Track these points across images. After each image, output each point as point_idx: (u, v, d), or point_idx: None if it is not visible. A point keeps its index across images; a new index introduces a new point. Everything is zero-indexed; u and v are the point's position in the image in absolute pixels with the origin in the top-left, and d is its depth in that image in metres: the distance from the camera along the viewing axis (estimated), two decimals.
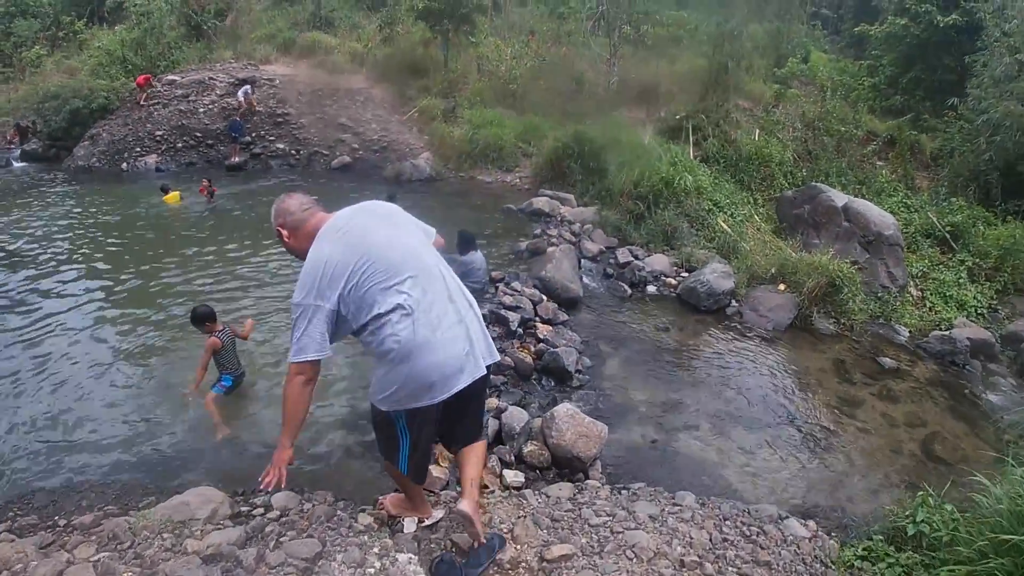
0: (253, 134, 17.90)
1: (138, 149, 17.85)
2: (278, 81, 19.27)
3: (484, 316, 7.26)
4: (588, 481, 5.08)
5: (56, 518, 4.24)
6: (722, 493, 5.39)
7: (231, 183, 15.89)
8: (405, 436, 3.30)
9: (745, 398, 7.24)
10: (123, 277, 9.38)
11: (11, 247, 10.93)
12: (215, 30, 22.80)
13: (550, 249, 9.67)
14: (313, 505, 4.14)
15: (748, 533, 4.25)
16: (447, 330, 3.12)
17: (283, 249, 3.40)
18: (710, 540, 4.10)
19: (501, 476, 4.97)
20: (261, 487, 3.29)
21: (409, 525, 3.90)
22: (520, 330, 7.43)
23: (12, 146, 20.49)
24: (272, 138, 17.88)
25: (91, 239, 11.51)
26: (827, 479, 6.05)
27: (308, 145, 17.67)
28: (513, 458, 5.27)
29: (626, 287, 9.83)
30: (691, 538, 4.06)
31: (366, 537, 3.69)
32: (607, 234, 11.59)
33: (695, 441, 6.31)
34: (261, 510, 4.11)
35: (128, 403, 6.08)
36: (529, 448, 5.34)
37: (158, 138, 18.00)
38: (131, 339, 7.25)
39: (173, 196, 13.78)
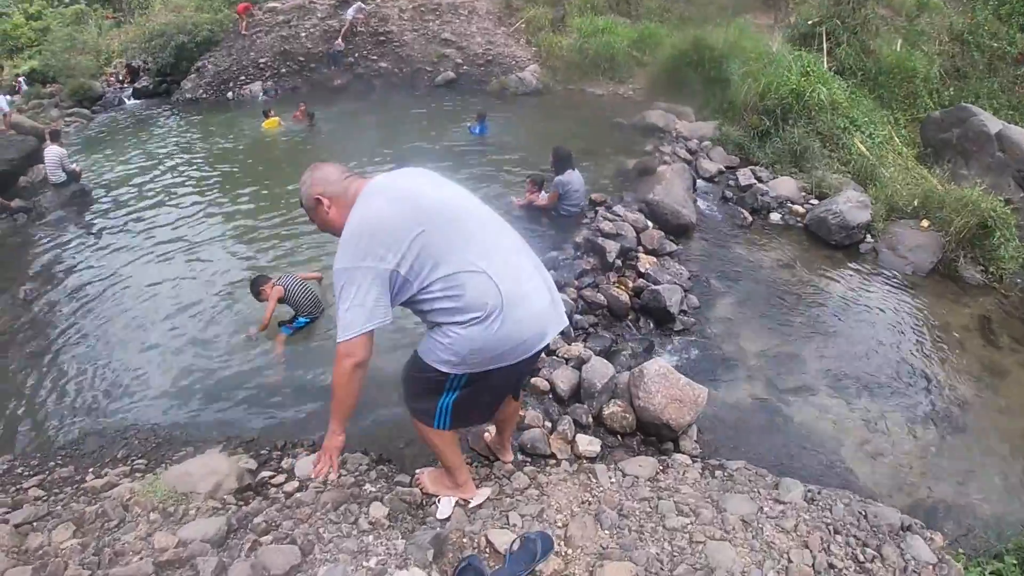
0: (355, 54, 17.54)
1: (243, 77, 18.09)
2: (377, 0, 18.59)
3: (577, 244, 6.74)
4: (676, 455, 4.19)
5: (90, 471, 4.09)
6: (835, 479, 4.40)
7: (335, 104, 15.85)
8: (453, 393, 2.87)
9: (872, 356, 6.07)
10: (219, 208, 9.51)
11: (120, 179, 11.56)
12: None
13: (661, 168, 8.57)
14: (339, 476, 3.60)
15: (862, 557, 3.14)
16: (527, 282, 2.74)
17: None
18: (812, 567, 3.04)
19: (573, 442, 4.15)
20: (313, 476, 3.04)
21: (445, 508, 3.26)
22: (618, 262, 6.52)
23: (124, 85, 21.43)
24: (374, 57, 17.46)
25: (195, 168, 11.89)
26: (957, 469, 4.89)
27: (411, 63, 17.15)
28: (591, 420, 4.44)
29: (746, 213, 8.62)
30: (788, 561, 3.03)
31: (370, 538, 3.02)
32: (727, 152, 10.40)
33: (810, 406, 5.27)
34: (283, 477, 3.75)
35: (202, 343, 5.90)
36: (611, 409, 4.46)
37: (262, 65, 18.10)
38: (222, 274, 7.16)
39: (272, 122, 13.82)
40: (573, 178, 7.47)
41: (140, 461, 4.15)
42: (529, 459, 3.95)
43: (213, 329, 6.10)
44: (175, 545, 2.94)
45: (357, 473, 3.71)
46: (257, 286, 5.88)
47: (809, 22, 14.58)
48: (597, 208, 7.57)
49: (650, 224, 7.33)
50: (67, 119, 18.63)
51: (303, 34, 18.15)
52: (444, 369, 2.74)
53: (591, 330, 5.56)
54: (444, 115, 13.86)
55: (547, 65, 15.82)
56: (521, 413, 4.14)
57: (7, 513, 3.42)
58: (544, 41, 16.34)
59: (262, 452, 4.11)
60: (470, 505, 3.33)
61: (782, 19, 15.91)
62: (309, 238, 7.64)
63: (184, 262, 7.58)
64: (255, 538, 3.02)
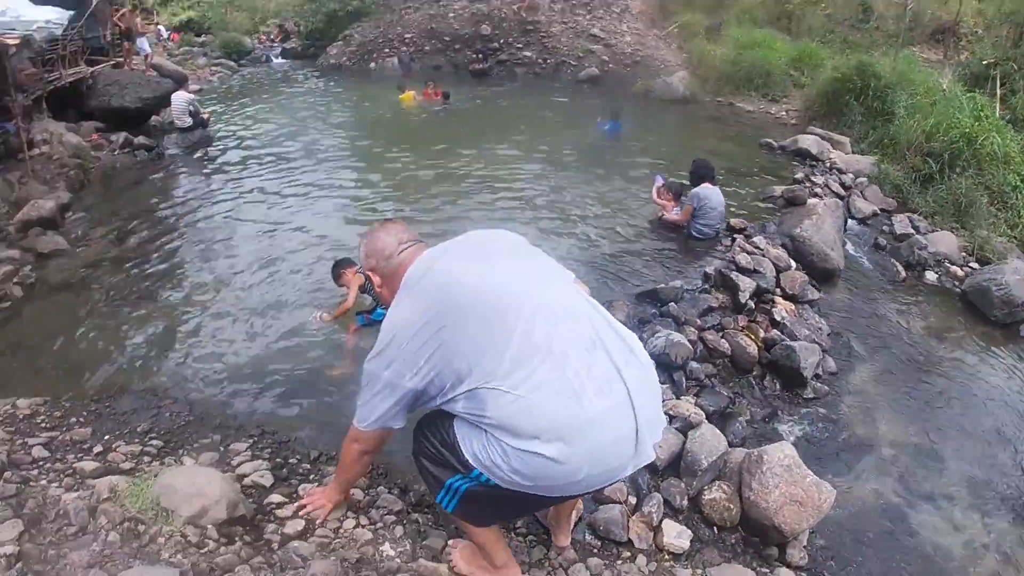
0: (501, 40, 17.44)
1: (387, 50, 18.58)
2: None
3: (707, 275, 6.00)
4: (779, 571, 3.45)
5: (105, 438, 3.86)
6: None
7: (472, 87, 15.89)
8: (471, 483, 2.22)
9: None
10: (337, 176, 9.56)
11: (249, 133, 12.01)
12: None
13: (812, 201, 7.80)
14: (356, 521, 3.00)
15: None
16: (599, 397, 1.99)
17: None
18: None
19: (658, 529, 3.40)
20: (296, 507, 2.94)
21: None
22: (751, 303, 5.77)
23: (274, 44, 22.35)
24: (520, 46, 17.37)
25: (325, 132, 12.17)
26: None
27: (556, 54, 17.01)
28: (686, 503, 3.66)
29: (900, 267, 7.70)
30: None
31: None
32: (884, 193, 9.47)
33: (941, 519, 4.39)
34: (291, 509, 3.06)
35: (269, 317, 5.65)
36: (713, 495, 3.66)
37: (407, 40, 18.36)
38: (316, 245, 6.97)
39: (407, 96, 14.07)
40: (711, 194, 6.84)
41: (156, 441, 3.84)
42: (598, 544, 3.26)
43: (285, 303, 5.84)
44: None
45: (380, 524, 3.02)
46: (338, 269, 5.36)
47: (983, 62, 13.36)
48: (735, 236, 6.88)
49: (793, 264, 6.55)
50: (213, 69, 19.47)
51: (451, 14, 18.27)
52: (470, 461, 2.14)
53: (707, 382, 4.83)
54: (582, 111, 13.50)
55: (697, 74, 15.24)
56: None
57: None
58: (697, 48, 15.81)
59: (290, 461, 3.65)
60: None
61: (952, 56, 14.92)
62: (428, 224, 7.37)
63: (284, 225, 7.53)
64: None
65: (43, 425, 4.03)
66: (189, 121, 11.70)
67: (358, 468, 2.70)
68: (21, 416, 4.11)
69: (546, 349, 2.01)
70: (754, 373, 5.16)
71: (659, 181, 7.62)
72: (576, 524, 3.24)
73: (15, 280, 6.37)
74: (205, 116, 12.11)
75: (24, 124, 9.72)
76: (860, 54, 13.02)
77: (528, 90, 15.62)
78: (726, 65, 14.75)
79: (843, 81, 12.16)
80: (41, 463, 3.42)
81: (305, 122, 13.02)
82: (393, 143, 11.30)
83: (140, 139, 11.48)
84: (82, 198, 8.87)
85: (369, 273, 2.49)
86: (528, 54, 17.17)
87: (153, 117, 13.22)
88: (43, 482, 3.11)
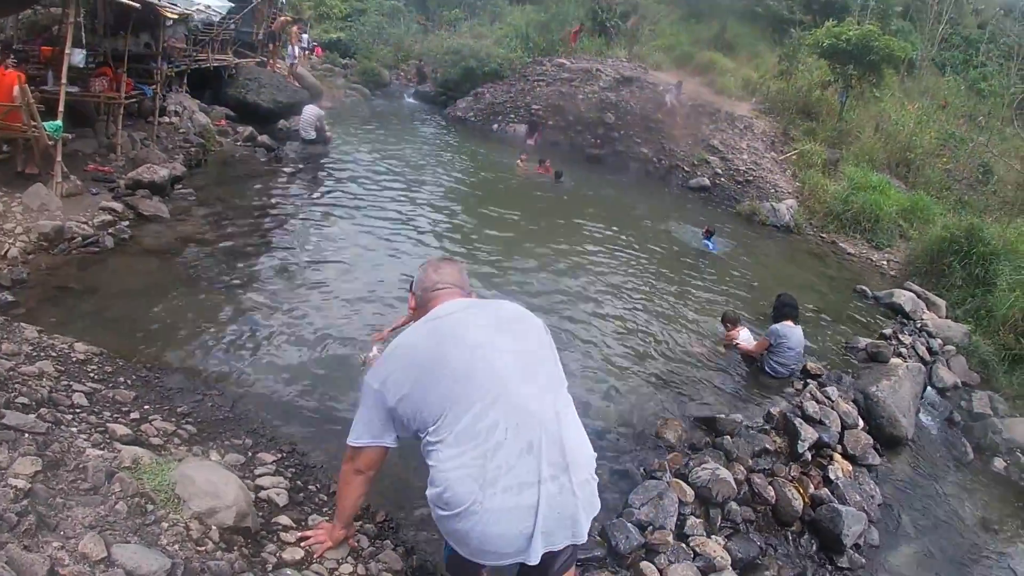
0: (621, 131, 17.83)
1: (512, 116, 19.21)
2: (661, 88, 18.86)
3: (770, 415, 5.97)
4: None
5: (144, 407, 4.01)
6: None
7: (585, 170, 16.42)
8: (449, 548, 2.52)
9: None
10: (435, 220, 10.08)
11: (364, 159, 12.83)
12: (617, 29, 23.64)
13: (894, 361, 7.69)
14: (354, 568, 3.01)
15: None
16: (506, 492, 2.24)
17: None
18: None
19: None
20: (298, 537, 3.04)
21: None
22: (808, 454, 5.73)
23: (410, 84, 23.53)
24: (639, 140, 17.72)
25: (435, 177, 12.88)
26: None
27: (672, 157, 17.26)
28: None
29: (969, 448, 7.46)
30: None
31: None
32: (970, 366, 9.22)
33: None
34: (296, 535, 3.13)
35: (340, 332, 5.95)
36: None
37: (533, 112, 18.83)
38: (399, 278, 7.25)
39: (519, 162, 14.98)
40: (792, 333, 6.78)
41: (191, 427, 3.96)
42: None
43: (352, 329, 6.02)
44: (96, 559, 2.26)
45: None
46: (410, 288, 5.56)
47: None
48: (808, 381, 6.81)
49: (861, 423, 6.44)
50: (348, 91, 20.65)
51: (580, 96, 18.80)
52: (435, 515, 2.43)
53: (742, 527, 4.74)
54: (684, 217, 13.67)
55: (806, 204, 15.18)
56: None
57: (7, 406, 3.09)
58: (810, 179, 15.73)
59: (310, 487, 3.69)
60: None
61: None
62: (511, 283, 7.66)
63: (372, 251, 7.94)
64: None
65: (92, 375, 4.21)
66: (314, 135, 12.40)
67: (355, 491, 2.74)
68: (75, 359, 4.34)
69: (483, 437, 2.27)
70: (792, 528, 5.07)
71: None
72: None
73: (110, 231, 6.92)
74: (329, 134, 12.81)
75: (162, 92, 10.52)
76: (973, 216, 12.76)
77: (638, 186, 15.94)
78: (836, 202, 14.65)
79: (950, 241, 11.95)
80: (77, 411, 3.54)
81: (419, 162, 13.72)
82: (495, 203, 11.77)
83: (264, 138, 12.28)
84: (195, 176, 9.59)
85: (410, 294, 2.88)
86: (645, 150, 17.46)
87: (281, 121, 14.06)
88: (73, 430, 3.20)
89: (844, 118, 18.04)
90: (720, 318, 7.54)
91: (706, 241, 11.54)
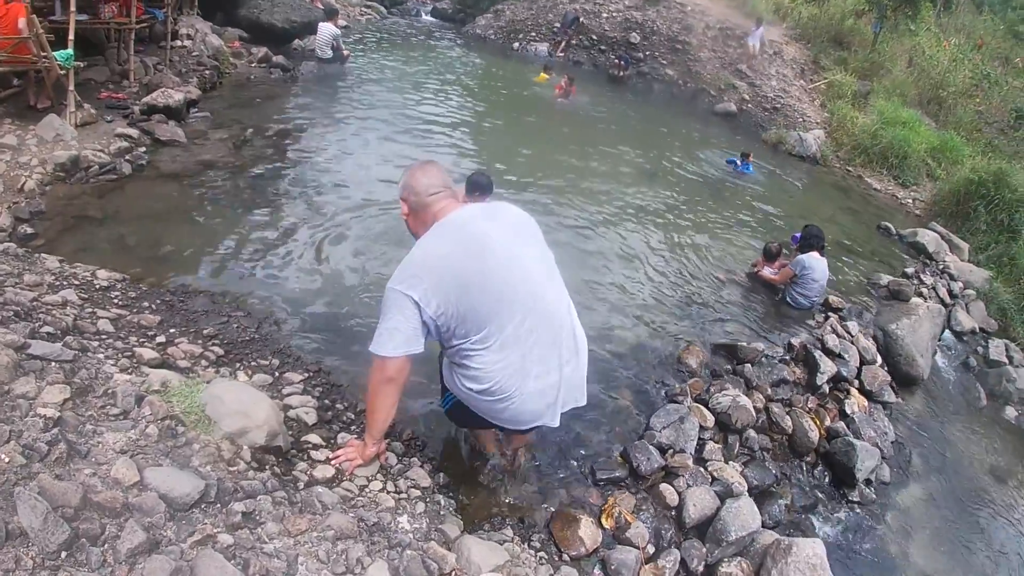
0: (647, 52, 17.33)
1: (533, 34, 18.69)
2: (689, 8, 18.22)
3: (791, 346, 5.94)
4: None
5: (170, 331, 4.02)
6: None
7: (607, 91, 16.07)
8: (453, 398, 3.05)
9: None
10: (450, 136, 9.99)
11: (379, 77, 12.67)
12: None
13: (915, 300, 7.60)
14: (383, 485, 3.07)
15: None
16: (537, 379, 2.80)
17: None
18: None
19: None
20: (329, 457, 3.10)
21: None
22: (826, 387, 5.75)
23: (427, 2, 22.84)
24: (664, 62, 17.26)
25: (452, 94, 12.62)
26: None
27: (698, 80, 16.84)
28: (701, 569, 3.65)
29: (983, 394, 7.46)
30: None
31: None
32: (988, 312, 9.15)
33: None
34: (327, 453, 3.17)
35: (363, 248, 5.99)
36: (730, 569, 3.62)
37: (555, 29, 18.28)
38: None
39: (543, 77, 14.64)
40: (817, 265, 6.68)
41: (217, 348, 3.96)
42: None
43: (378, 250, 5.98)
44: (129, 484, 2.25)
45: (404, 496, 3.08)
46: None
47: None
48: (830, 314, 6.77)
49: (879, 359, 6.45)
50: (364, 9, 20.01)
51: (604, 15, 18.22)
52: (448, 387, 3.00)
53: (759, 454, 4.78)
54: (708, 142, 13.39)
55: (833, 136, 14.82)
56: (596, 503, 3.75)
57: (33, 336, 3.02)
58: (839, 111, 15.29)
59: (337, 406, 3.72)
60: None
61: None
62: (536, 204, 7.49)
63: (392, 168, 7.78)
64: (213, 532, 2.24)
65: (116, 301, 4.21)
66: (330, 54, 12.11)
67: (388, 399, 2.82)
68: (98, 286, 4.34)
69: (523, 340, 2.71)
70: (807, 459, 5.12)
71: None
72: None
73: (127, 157, 6.83)
74: (346, 53, 12.52)
75: (173, 15, 10.24)
76: (1002, 161, 12.46)
77: (662, 109, 15.49)
78: (865, 136, 14.29)
79: (977, 184, 11.68)
80: (103, 337, 3.53)
81: (437, 80, 13.38)
82: (513, 122, 11.65)
83: (279, 58, 12.00)
84: (210, 99, 9.39)
85: (401, 201, 2.94)
86: (670, 72, 16.98)
87: (296, 41, 13.71)
88: (100, 356, 3.18)
89: (877, 49, 17.41)
90: (763, 249, 7.39)
91: (742, 165, 11.36)
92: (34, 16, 6.84)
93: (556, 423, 2.93)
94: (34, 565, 1.82)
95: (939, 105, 16.68)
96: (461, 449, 3.79)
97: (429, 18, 22.43)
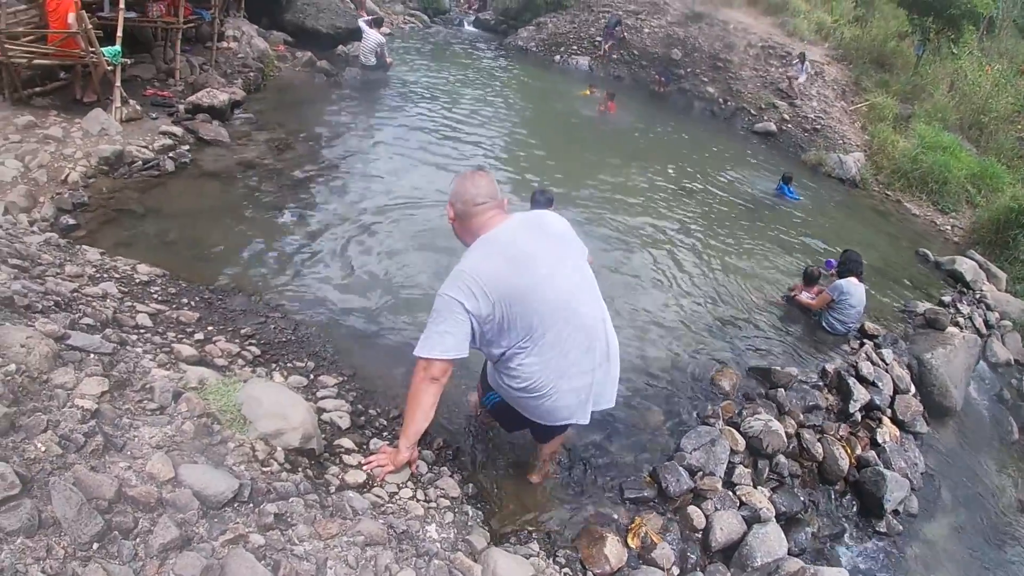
0: (688, 69, 17.33)
1: (574, 47, 18.81)
2: (732, 26, 18.14)
3: (825, 372, 5.94)
4: None
5: (208, 329, 4.07)
6: None
7: (649, 106, 16.17)
8: (497, 397, 3.28)
9: None
10: (490, 145, 10.19)
11: (421, 86, 12.75)
12: None
13: (951, 329, 7.50)
14: (413, 493, 3.12)
15: None
16: (572, 379, 3.00)
17: None
18: None
19: None
20: (363, 463, 3.15)
21: None
22: (858, 415, 5.71)
23: (471, 11, 22.99)
24: (705, 80, 17.23)
25: (491, 104, 12.80)
26: None
27: (738, 99, 16.76)
28: None
29: (1015, 428, 7.33)
30: None
31: None
32: None
33: None
34: (358, 458, 3.21)
35: (395, 258, 6.04)
36: None
37: (597, 43, 18.41)
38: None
39: (587, 92, 14.87)
40: (855, 291, 6.63)
41: (255, 348, 4.02)
42: None
43: (417, 256, 6.07)
44: (164, 479, 2.27)
45: (434, 505, 3.12)
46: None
47: None
48: (865, 340, 6.74)
49: (912, 388, 6.38)
50: (407, 18, 20.21)
51: (646, 30, 18.23)
52: (492, 386, 3.23)
53: (788, 480, 4.77)
54: (747, 162, 13.39)
55: (873, 159, 14.64)
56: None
57: (73, 327, 3.04)
58: (880, 133, 15.10)
59: (370, 411, 3.76)
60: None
61: None
62: (575, 219, 7.45)
63: (437, 178, 7.97)
64: (244, 531, 2.27)
65: (155, 296, 4.28)
66: (374, 61, 12.23)
67: (428, 399, 2.91)
68: (138, 281, 4.42)
69: (560, 345, 2.91)
70: (836, 487, 5.09)
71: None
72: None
73: (171, 155, 6.99)
74: (389, 61, 12.65)
75: (220, 16, 10.43)
76: None
77: (701, 127, 15.52)
78: (905, 160, 14.12)
79: (1017, 213, 11.52)
80: (142, 331, 3.58)
81: (478, 90, 13.54)
82: (552, 134, 11.69)
83: (323, 63, 12.19)
84: (254, 100, 9.56)
85: (448, 205, 3.05)
86: (711, 90, 16.94)
87: (340, 47, 13.89)
88: (138, 350, 3.20)
89: (919, 72, 17.22)
90: (803, 273, 7.39)
91: (785, 188, 11.31)
92: (83, 11, 7.02)
93: (587, 420, 3.12)
94: (65, 555, 1.85)
95: (980, 130, 16.42)
96: (491, 461, 3.84)
97: (471, 28, 22.58)
